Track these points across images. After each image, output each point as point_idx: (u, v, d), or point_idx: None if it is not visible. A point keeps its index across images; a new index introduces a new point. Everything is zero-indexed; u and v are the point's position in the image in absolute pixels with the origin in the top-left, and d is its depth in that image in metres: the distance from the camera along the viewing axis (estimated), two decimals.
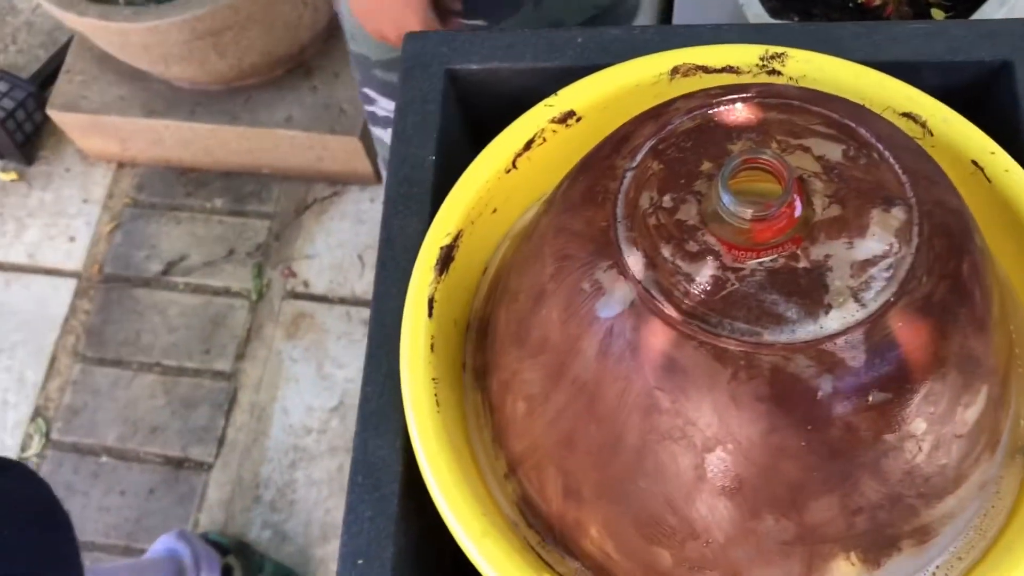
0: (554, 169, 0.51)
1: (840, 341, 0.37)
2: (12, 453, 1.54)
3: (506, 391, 0.47)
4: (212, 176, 1.73)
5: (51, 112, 1.67)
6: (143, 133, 1.67)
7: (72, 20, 1.42)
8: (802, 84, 0.54)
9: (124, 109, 1.64)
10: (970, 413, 0.40)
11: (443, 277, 0.51)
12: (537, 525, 0.47)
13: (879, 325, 0.37)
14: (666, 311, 0.38)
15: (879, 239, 0.39)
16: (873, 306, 0.37)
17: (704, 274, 0.38)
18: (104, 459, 1.52)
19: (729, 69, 0.56)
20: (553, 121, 0.55)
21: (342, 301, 1.59)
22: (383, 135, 1.07)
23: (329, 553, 1.40)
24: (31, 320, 1.65)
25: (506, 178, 0.55)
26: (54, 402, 1.57)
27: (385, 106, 1.00)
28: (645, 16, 1.05)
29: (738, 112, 0.43)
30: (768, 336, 0.37)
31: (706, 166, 0.42)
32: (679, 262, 0.39)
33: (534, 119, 0.55)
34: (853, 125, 0.42)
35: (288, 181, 1.70)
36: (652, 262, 0.39)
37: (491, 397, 0.50)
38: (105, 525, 1.46)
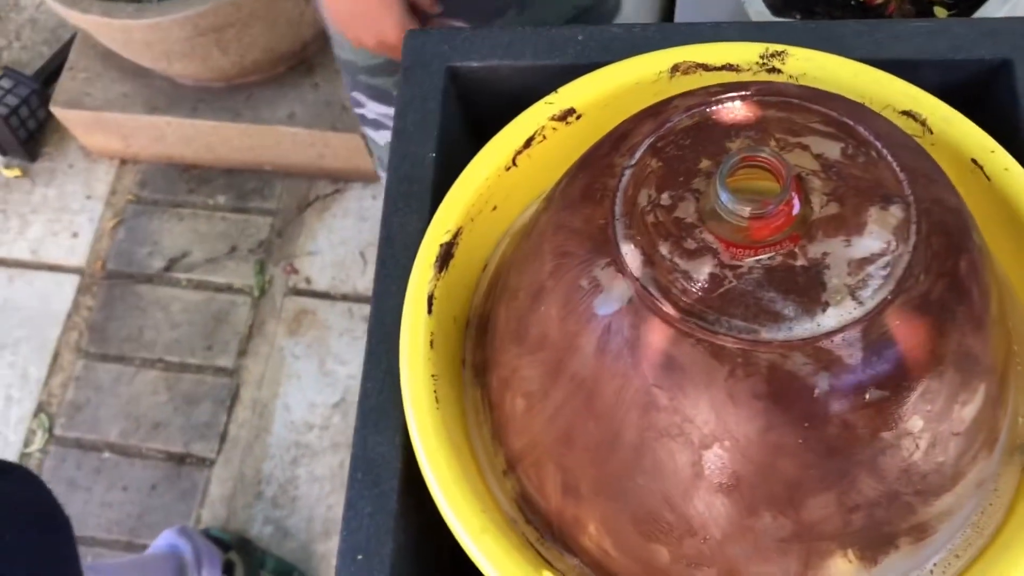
0: (554, 167, 0.51)
1: (837, 339, 0.37)
2: (15, 449, 1.54)
3: (505, 388, 0.47)
4: (214, 173, 1.73)
5: (54, 109, 1.67)
6: (146, 130, 1.67)
7: (75, 17, 1.42)
8: (802, 82, 0.55)
9: (127, 106, 1.64)
10: (968, 411, 0.40)
11: (443, 274, 0.51)
12: (536, 522, 0.47)
13: (876, 323, 0.37)
14: (664, 308, 0.38)
15: (877, 237, 0.39)
16: (870, 304, 0.37)
17: (702, 272, 0.38)
18: (107, 455, 1.52)
19: (729, 67, 0.56)
20: (553, 119, 0.55)
21: (344, 298, 1.60)
22: (375, 136, 1.07)
23: (331, 549, 1.41)
24: (34, 316, 1.65)
25: (506, 176, 0.55)
26: (57, 398, 1.57)
27: (374, 109, 1.01)
28: (628, 17, 1.05)
29: (737, 110, 0.43)
30: (765, 334, 0.37)
31: (704, 164, 0.42)
32: (677, 260, 0.39)
33: (534, 117, 0.55)
34: (852, 123, 0.42)
35: (290, 178, 1.70)
36: (650, 259, 0.39)
37: (490, 394, 0.50)
38: (107, 521, 1.47)
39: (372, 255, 1.62)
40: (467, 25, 0.92)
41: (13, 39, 1.91)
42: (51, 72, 1.78)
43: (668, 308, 0.38)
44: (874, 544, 0.41)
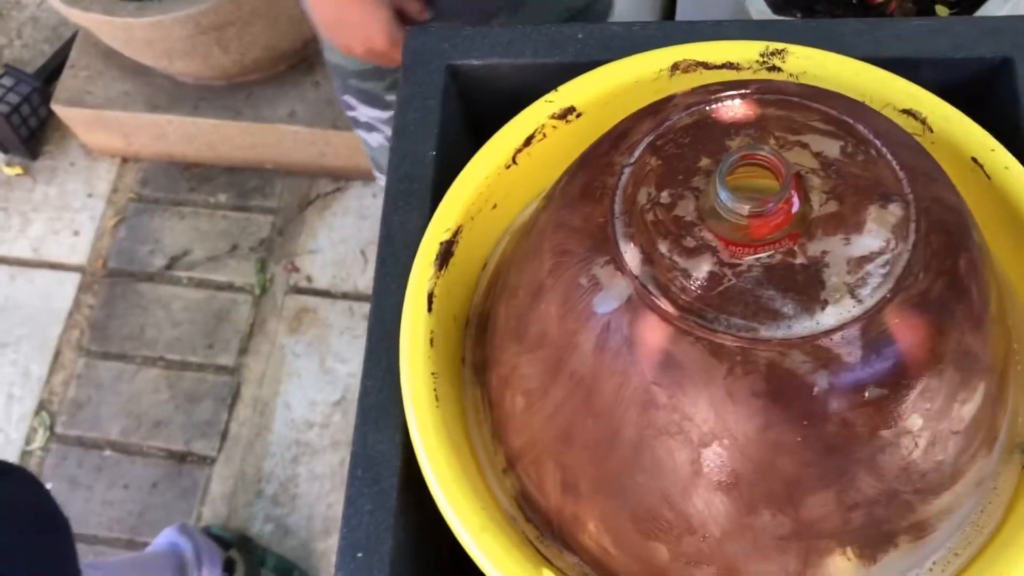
0: (554, 165, 0.51)
1: (836, 337, 0.37)
2: (17, 447, 1.54)
3: (505, 386, 0.47)
4: (215, 171, 1.73)
5: (56, 107, 1.67)
6: (147, 128, 1.67)
7: (77, 15, 1.42)
8: (802, 80, 0.55)
9: (128, 104, 1.64)
10: (967, 409, 0.40)
11: (443, 272, 0.52)
12: (535, 520, 0.47)
13: (875, 321, 0.37)
14: (663, 307, 0.38)
15: (876, 235, 0.39)
16: (869, 302, 0.37)
17: (701, 270, 0.39)
18: (108, 453, 1.52)
19: (729, 65, 0.56)
20: (553, 117, 0.55)
21: (345, 296, 1.60)
22: (367, 137, 1.07)
23: (331, 547, 1.41)
24: (35, 314, 1.65)
25: (506, 174, 0.55)
26: (58, 396, 1.57)
27: (365, 112, 1.01)
28: (621, 17, 1.05)
29: (736, 108, 0.43)
30: (764, 332, 0.37)
31: (704, 162, 0.42)
32: (676, 258, 0.39)
33: (534, 115, 0.55)
34: (851, 121, 0.42)
35: (291, 176, 1.70)
36: (649, 258, 0.39)
37: (490, 392, 0.50)
38: (108, 519, 1.47)
39: (373, 253, 1.62)
40: None
41: (14, 37, 1.91)
42: (52, 70, 1.78)
43: (667, 306, 0.38)
44: (873, 542, 0.41)
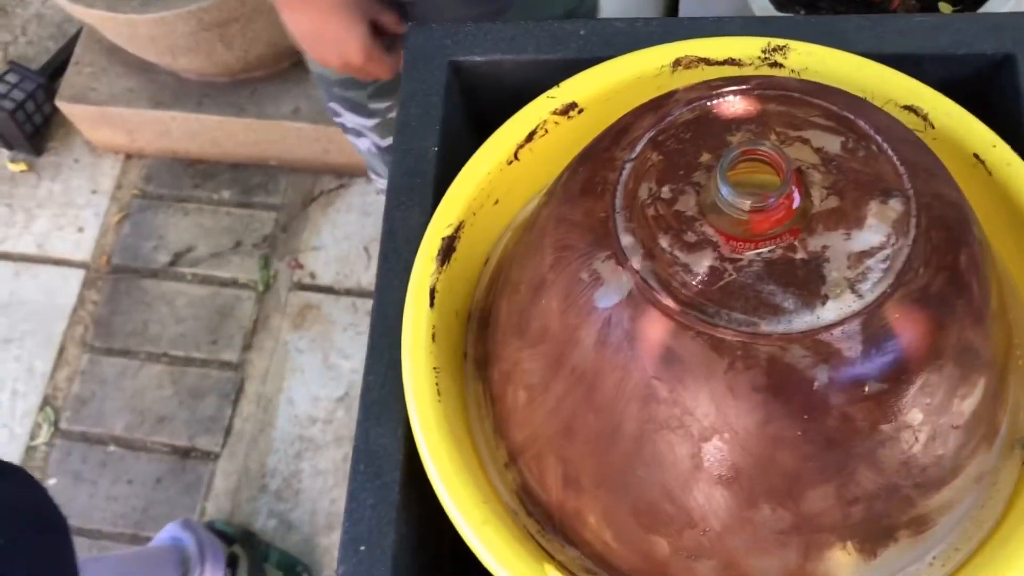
0: (556, 161, 0.51)
1: (837, 332, 0.37)
2: (21, 442, 1.55)
3: (507, 381, 0.48)
4: (219, 168, 1.73)
5: (60, 103, 1.68)
6: (151, 125, 1.67)
7: (81, 12, 1.42)
8: (804, 77, 0.55)
9: (132, 101, 1.65)
10: (967, 404, 0.40)
11: (445, 268, 0.52)
12: (537, 514, 0.48)
13: (876, 316, 0.37)
14: (664, 301, 0.38)
15: (877, 231, 0.39)
16: (870, 297, 0.37)
17: (702, 264, 0.39)
18: (112, 448, 1.52)
19: (731, 61, 0.56)
20: (555, 113, 0.55)
21: (348, 292, 1.60)
22: (356, 142, 1.08)
23: (334, 542, 1.41)
24: (40, 310, 1.66)
25: (508, 169, 0.55)
26: (62, 391, 1.58)
27: (351, 119, 1.01)
28: (624, 13, 1.05)
29: (737, 104, 0.44)
30: (765, 326, 0.37)
31: (705, 157, 0.42)
32: (677, 252, 0.39)
33: (536, 111, 0.56)
34: (852, 117, 0.43)
35: (295, 173, 1.70)
36: (650, 252, 0.39)
37: (492, 387, 0.50)
38: (113, 514, 1.47)
39: (376, 250, 1.61)
40: None
41: (19, 34, 1.92)
42: (57, 67, 1.78)
43: (668, 301, 0.38)
44: (873, 537, 0.41)
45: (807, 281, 0.38)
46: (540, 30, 0.63)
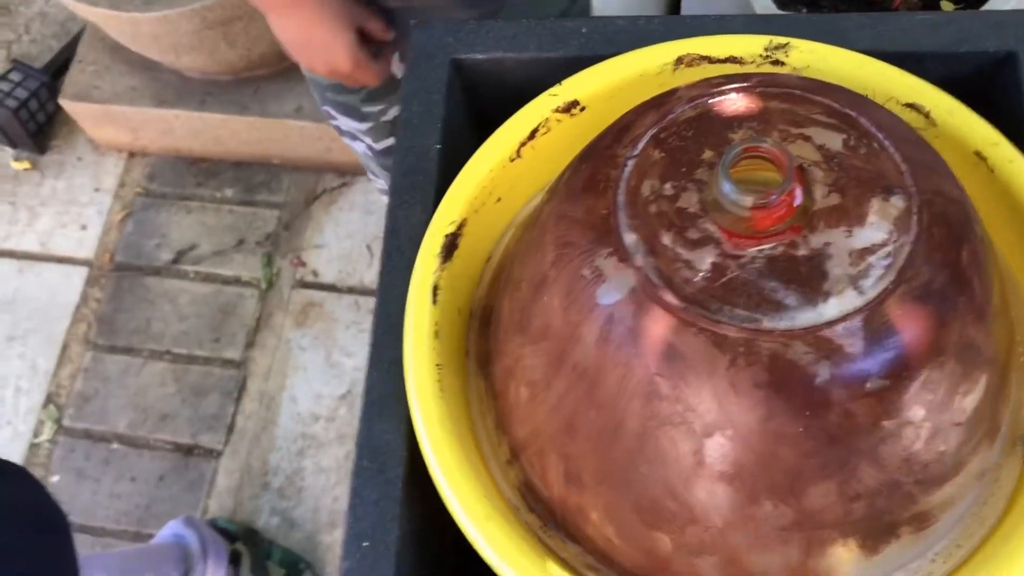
0: (558, 158, 0.52)
1: (838, 328, 0.37)
2: (25, 439, 1.55)
3: (509, 378, 0.48)
4: (222, 166, 1.73)
5: (63, 102, 1.68)
6: (154, 123, 1.67)
7: (84, 10, 1.43)
8: (806, 75, 0.55)
9: (135, 99, 1.65)
10: (969, 401, 0.41)
11: (447, 265, 0.52)
12: (539, 510, 0.48)
13: (877, 313, 0.37)
14: (666, 298, 0.38)
15: (878, 228, 0.39)
16: (871, 294, 0.37)
17: (704, 261, 0.39)
18: (115, 446, 1.53)
19: (733, 59, 0.56)
20: (557, 111, 0.56)
21: (351, 290, 1.60)
22: (352, 145, 1.08)
23: (337, 540, 1.41)
24: (43, 308, 1.66)
25: (510, 167, 0.55)
26: (66, 389, 1.58)
27: (345, 123, 1.01)
28: (625, 12, 1.05)
29: (739, 101, 0.44)
30: (767, 323, 0.37)
31: (707, 155, 0.42)
32: (679, 249, 0.39)
33: (539, 108, 0.56)
34: (854, 115, 0.43)
35: (298, 171, 1.71)
36: (652, 249, 0.39)
37: (494, 384, 0.50)
38: (116, 511, 1.48)
39: (378, 248, 1.61)
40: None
41: (22, 32, 1.92)
42: (60, 65, 1.79)
43: (670, 297, 0.38)
44: (875, 533, 0.41)
45: (809, 278, 0.38)
46: (542, 28, 0.63)
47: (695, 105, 0.44)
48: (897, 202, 0.40)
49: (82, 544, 1.45)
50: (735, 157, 0.39)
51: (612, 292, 0.40)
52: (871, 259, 0.38)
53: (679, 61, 0.56)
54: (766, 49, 0.55)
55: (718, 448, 0.39)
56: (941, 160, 0.44)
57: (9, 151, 1.80)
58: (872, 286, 0.37)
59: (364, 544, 0.49)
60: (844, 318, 0.37)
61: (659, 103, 0.45)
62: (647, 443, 0.40)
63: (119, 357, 1.59)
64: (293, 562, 1.39)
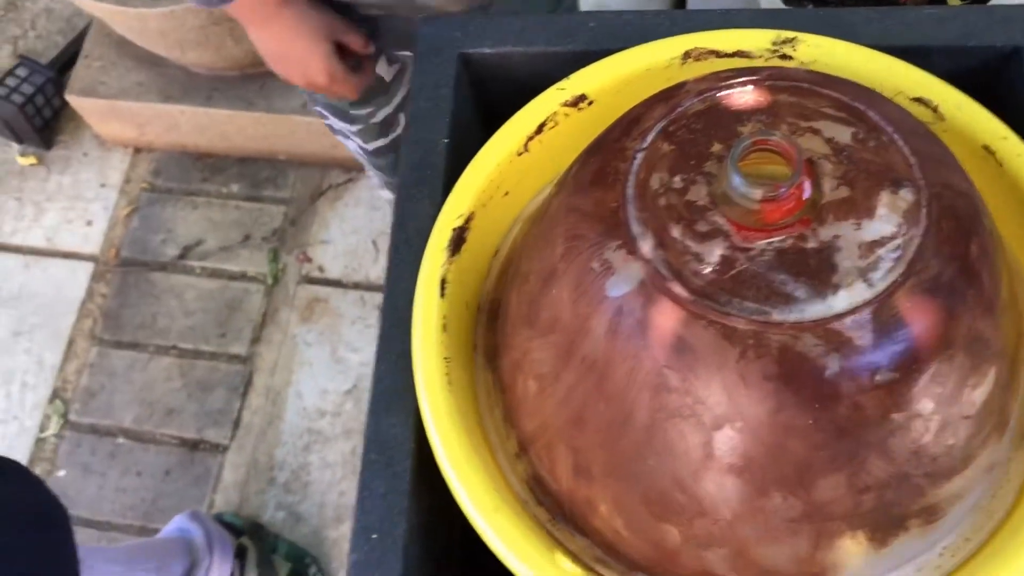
0: (566, 152, 0.52)
1: (848, 321, 0.37)
2: (31, 434, 1.55)
3: (517, 371, 0.48)
4: (228, 162, 1.73)
5: (69, 97, 1.68)
6: (160, 118, 1.68)
7: (90, 5, 1.43)
8: (813, 69, 0.55)
9: (141, 95, 1.65)
10: (978, 394, 0.41)
11: (455, 259, 0.52)
12: (547, 503, 0.48)
13: (887, 305, 0.37)
14: (675, 290, 0.38)
15: (887, 220, 0.39)
16: (881, 286, 0.37)
17: (714, 254, 0.39)
18: (121, 440, 1.53)
19: (741, 54, 0.56)
20: (565, 105, 0.56)
21: (356, 286, 1.60)
22: (346, 143, 1.08)
23: (343, 534, 1.41)
24: (49, 303, 1.66)
25: (518, 161, 0.55)
26: (72, 384, 1.59)
27: (336, 123, 1.02)
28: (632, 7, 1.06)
29: (748, 94, 0.44)
30: (777, 315, 0.37)
31: (716, 148, 0.42)
32: (689, 242, 0.39)
33: (546, 102, 0.56)
34: (863, 108, 0.43)
35: (303, 167, 1.71)
36: (662, 242, 0.40)
37: (502, 377, 0.50)
38: (122, 506, 1.48)
39: (384, 244, 1.62)
40: (401, 65, 0.93)
41: (29, 28, 1.92)
42: (66, 61, 1.79)
43: (680, 290, 0.38)
44: (884, 526, 0.41)
45: (818, 270, 0.38)
46: (550, 22, 0.63)
47: (704, 98, 0.44)
48: (906, 195, 0.40)
49: (88, 538, 1.45)
50: (744, 150, 0.39)
51: (621, 284, 0.40)
52: (880, 252, 0.38)
53: (687, 55, 0.56)
54: (774, 43, 0.55)
55: (727, 440, 0.39)
56: (950, 153, 0.44)
57: (15, 146, 1.81)
58: (881, 279, 0.38)
59: (373, 537, 0.49)
60: (854, 311, 0.37)
61: (668, 96, 0.45)
62: (656, 435, 0.40)
63: (125, 352, 1.59)
64: (299, 556, 1.39)
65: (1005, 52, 0.59)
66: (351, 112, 0.98)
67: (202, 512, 1.35)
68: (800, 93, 0.44)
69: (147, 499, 1.48)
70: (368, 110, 0.97)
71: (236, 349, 1.57)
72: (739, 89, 0.44)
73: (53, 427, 1.55)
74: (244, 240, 1.66)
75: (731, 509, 0.40)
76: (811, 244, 0.38)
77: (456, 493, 0.46)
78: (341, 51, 0.84)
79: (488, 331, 0.54)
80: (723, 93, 0.44)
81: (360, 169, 1.68)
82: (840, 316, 0.37)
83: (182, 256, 1.66)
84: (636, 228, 0.40)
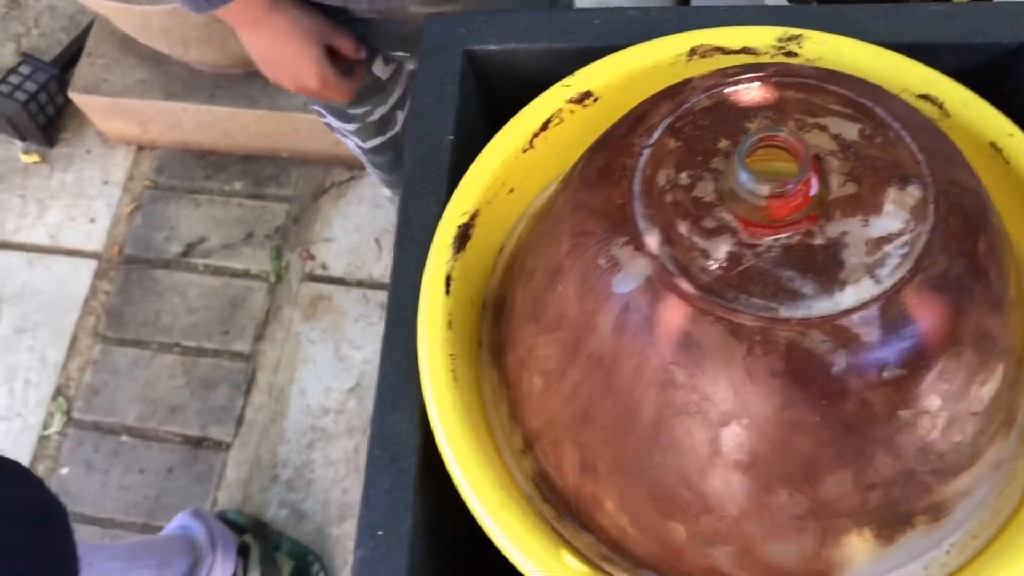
0: (571, 149, 0.52)
1: (855, 317, 0.37)
2: (34, 432, 1.55)
3: (522, 367, 0.48)
4: (231, 159, 1.74)
5: (73, 95, 1.68)
6: (163, 116, 1.68)
7: (94, 3, 1.43)
8: (819, 66, 0.55)
9: (144, 92, 1.65)
10: (985, 391, 0.41)
11: (460, 255, 0.52)
12: (553, 500, 0.48)
13: (894, 302, 0.37)
14: (682, 286, 0.38)
15: (895, 217, 0.39)
16: (888, 283, 0.37)
17: (721, 250, 0.39)
18: (124, 438, 1.53)
19: (747, 50, 0.56)
20: (570, 101, 0.56)
21: (359, 284, 1.60)
22: (345, 141, 1.08)
23: (346, 532, 1.42)
24: (52, 301, 1.66)
25: (523, 158, 0.55)
26: (75, 381, 1.59)
27: (334, 122, 1.02)
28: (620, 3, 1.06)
29: (755, 91, 0.44)
30: (784, 312, 0.37)
31: (723, 144, 0.42)
32: (696, 238, 0.39)
33: (552, 99, 0.56)
34: (870, 104, 0.43)
35: (306, 165, 1.71)
36: (669, 238, 0.39)
37: (507, 374, 0.50)
38: (125, 503, 1.48)
39: (387, 242, 1.62)
40: (397, 64, 0.93)
41: (32, 26, 1.92)
42: (69, 58, 1.79)
43: (687, 286, 0.38)
44: (891, 522, 0.41)
45: (825, 267, 0.38)
46: (554, 19, 0.63)
47: (711, 94, 0.44)
48: (913, 191, 0.39)
49: (91, 536, 1.46)
50: (751, 146, 0.39)
51: (628, 281, 0.40)
52: (888, 248, 0.38)
53: (692, 52, 0.56)
54: (779, 40, 0.55)
55: (734, 437, 0.39)
56: (957, 150, 0.44)
57: (19, 144, 1.81)
58: (889, 275, 0.37)
59: (378, 533, 0.49)
60: (861, 307, 0.37)
61: (674, 92, 0.45)
62: (662, 432, 0.40)
63: (128, 350, 1.60)
64: (302, 554, 1.39)
65: (1011, 49, 0.58)
66: (348, 111, 0.98)
67: (205, 510, 1.35)
68: (807, 89, 0.44)
69: (150, 496, 1.48)
70: (365, 109, 0.97)
71: (239, 347, 1.57)
72: (745, 85, 0.44)
73: (56, 424, 1.55)
74: (247, 238, 1.66)
75: (737, 506, 0.40)
76: (818, 240, 0.38)
77: (461, 489, 0.46)
78: (332, 55, 0.84)
79: (493, 328, 0.54)
80: (730, 89, 0.44)
81: (362, 167, 1.68)
82: (847, 312, 0.37)
83: (185, 254, 1.66)
84: (643, 224, 0.40)
